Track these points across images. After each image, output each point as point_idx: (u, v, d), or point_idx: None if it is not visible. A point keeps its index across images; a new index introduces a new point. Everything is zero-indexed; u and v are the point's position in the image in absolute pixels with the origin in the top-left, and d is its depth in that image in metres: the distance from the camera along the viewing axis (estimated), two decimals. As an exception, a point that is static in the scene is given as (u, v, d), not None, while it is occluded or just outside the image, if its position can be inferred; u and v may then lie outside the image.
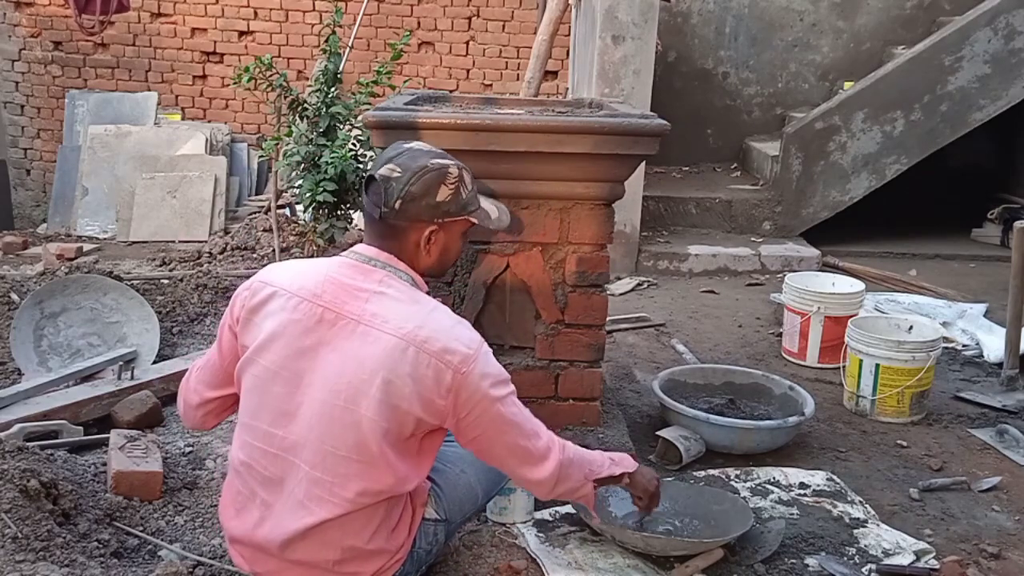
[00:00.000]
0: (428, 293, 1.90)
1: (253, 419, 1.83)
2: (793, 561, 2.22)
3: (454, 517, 2.01)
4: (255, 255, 5.09)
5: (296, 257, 4.76)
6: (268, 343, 1.79)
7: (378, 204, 1.83)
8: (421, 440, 1.82)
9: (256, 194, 6.54)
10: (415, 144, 1.93)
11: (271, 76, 4.40)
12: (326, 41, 4.55)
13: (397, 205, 1.82)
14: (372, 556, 1.82)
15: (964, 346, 3.97)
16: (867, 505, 2.54)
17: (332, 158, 4.30)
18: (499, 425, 1.81)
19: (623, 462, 2.09)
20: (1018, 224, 3.40)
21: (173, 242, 5.77)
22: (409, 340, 1.75)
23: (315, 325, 1.78)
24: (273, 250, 4.88)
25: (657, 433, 2.80)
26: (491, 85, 7.16)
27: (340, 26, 4.58)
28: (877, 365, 3.17)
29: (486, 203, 2.03)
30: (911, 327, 3.38)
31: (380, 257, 1.85)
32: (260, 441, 1.81)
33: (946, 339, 3.81)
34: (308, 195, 4.40)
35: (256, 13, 7.12)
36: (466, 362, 1.76)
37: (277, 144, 4.62)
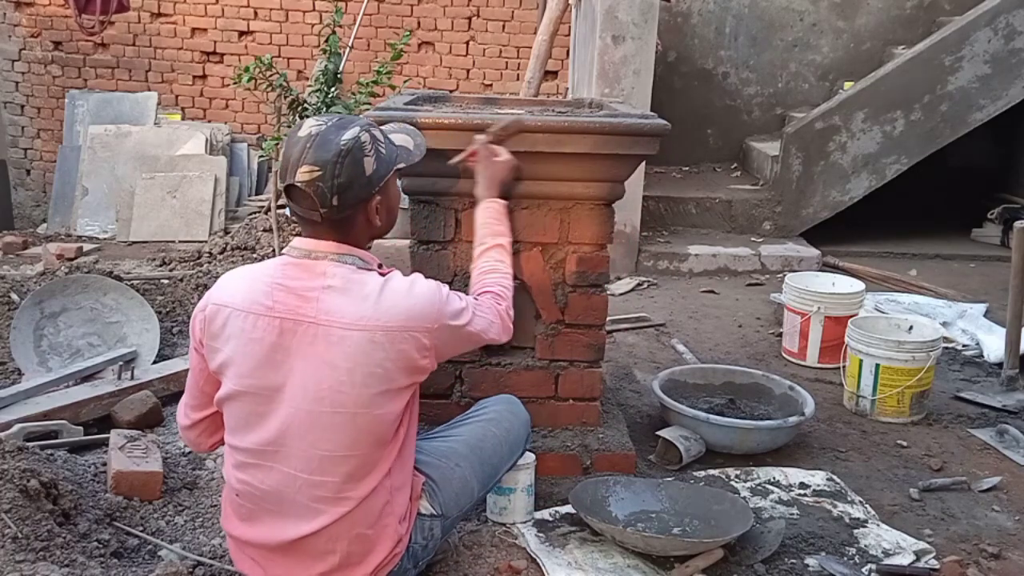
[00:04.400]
0: (380, 266, 1.88)
1: (239, 439, 1.83)
2: (793, 561, 2.22)
3: (450, 512, 2.01)
4: (255, 255, 5.09)
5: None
6: (236, 365, 1.79)
7: (314, 208, 1.79)
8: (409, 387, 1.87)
9: (256, 194, 6.54)
10: (310, 127, 1.81)
11: (271, 76, 4.40)
12: (326, 41, 4.55)
13: (335, 202, 1.77)
14: (376, 543, 1.83)
15: (964, 346, 3.97)
16: (867, 505, 2.53)
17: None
18: (466, 340, 1.98)
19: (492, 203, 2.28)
20: (1018, 224, 3.39)
21: (173, 242, 5.77)
22: (373, 329, 1.76)
23: (278, 338, 1.77)
24: (273, 250, 4.88)
25: (657, 433, 2.79)
26: (491, 85, 7.16)
27: (340, 26, 4.59)
28: (877, 365, 3.17)
29: (399, 139, 1.97)
30: (911, 327, 3.37)
31: (320, 248, 1.82)
32: (250, 457, 1.82)
33: (946, 339, 3.80)
34: (308, 195, 4.38)
35: (256, 13, 7.12)
36: (437, 318, 1.83)
37: (277, 144, 4.63)
